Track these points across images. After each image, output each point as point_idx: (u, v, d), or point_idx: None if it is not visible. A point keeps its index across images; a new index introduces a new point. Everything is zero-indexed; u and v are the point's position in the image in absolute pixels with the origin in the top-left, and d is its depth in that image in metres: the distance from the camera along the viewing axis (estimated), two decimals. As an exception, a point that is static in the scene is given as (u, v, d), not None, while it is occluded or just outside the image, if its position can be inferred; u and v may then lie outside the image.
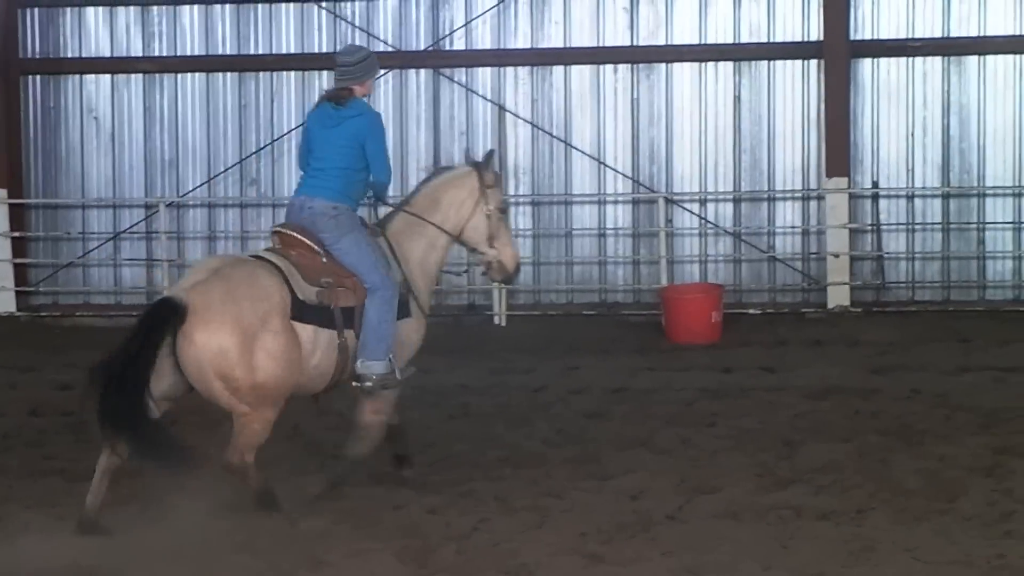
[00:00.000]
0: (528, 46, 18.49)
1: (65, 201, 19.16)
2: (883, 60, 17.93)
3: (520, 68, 18.52)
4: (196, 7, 18.89)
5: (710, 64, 18.20)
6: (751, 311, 17.70)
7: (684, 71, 18.26)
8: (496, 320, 17.76)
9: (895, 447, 10.54)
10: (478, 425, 11.32)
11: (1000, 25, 17.77)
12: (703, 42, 18.21)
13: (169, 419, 8.73)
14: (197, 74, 18.95)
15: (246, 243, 18.68)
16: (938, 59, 17.90)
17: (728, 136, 18.21)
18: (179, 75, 18.96)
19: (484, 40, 18.56)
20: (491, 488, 9.58)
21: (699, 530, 8.54)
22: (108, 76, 19.09)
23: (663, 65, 18.27)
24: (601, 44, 18.38)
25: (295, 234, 9.21)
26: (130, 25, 19.05)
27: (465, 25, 18.48)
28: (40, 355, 15.66)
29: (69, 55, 19.18)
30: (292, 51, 18.79)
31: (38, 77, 19.22)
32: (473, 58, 18.55)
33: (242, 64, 18.86)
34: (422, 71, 18.57)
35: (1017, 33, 17.74)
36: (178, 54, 18.98)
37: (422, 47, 18.44)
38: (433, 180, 9.91)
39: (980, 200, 17.92)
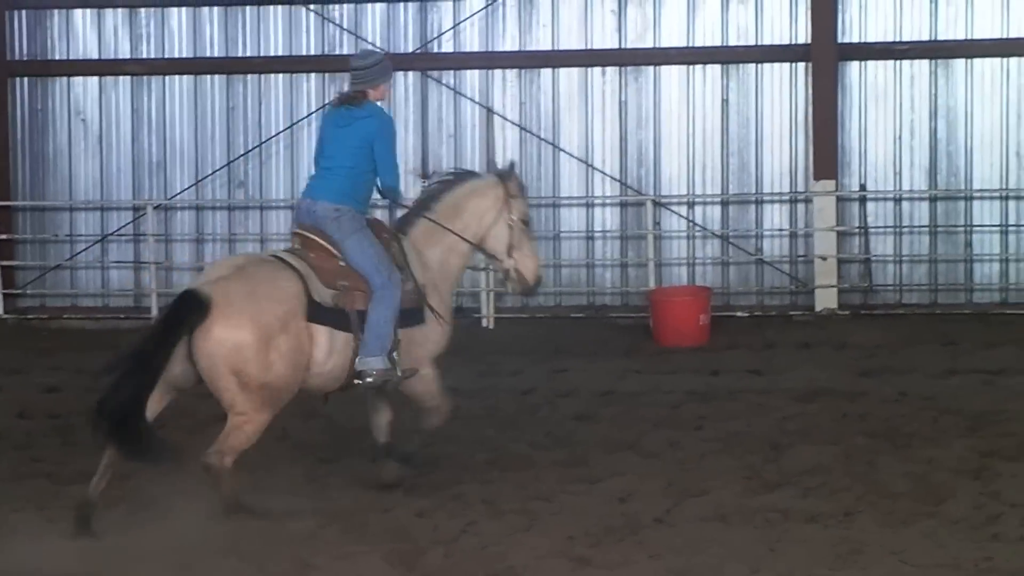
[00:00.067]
0: (516, 49, 18.51)
1: (52, 203, 19.13)
2: (871, 63, 17.96)
3: (508, 71, 18.53)
4: (184, 9, 18.87)
5: (698, 67, 18.22)
6: (739, 314, 17.71)
7: (672, 74, 18.28)
8: (484, 323, 17.76)
9: (883, 450, 10.54)
10: (466, 428, 11.30)
11: (987, 28, 17.81)
12: (691, 45, 18.22)
13: (159, 423, 8.73)
14: (185, 76, 18.94)
15: (234, 245, 18.68)
16: (925, 62, 17.93)
17: (716, 139, 18.23)
18: (167, 77, 18.95)
19: (472, 43, 18.57)
20: (479, 491, 9.57)
21: (687, 533, 8.53)
22: (96, 78, 19.08)
23: (651, 68, 18.29)
24: (589, 47, 18.39)
25: (314, 237, 9.33)
26: (118, 27, 19.03)
27: (453, 28, 18.48)
28: (27, 358, 15.63)
29: (57, 57, 19.17)
30: (280, 53, 18.78)
31: (25, 79, 19.20)
32: (461, 61, 18.56)
33: (230, 66, 18.85)
34: (410, 74, 18.56)
35: (1004, 36, 17.78)
36: (166, 56, 18.97)
37: (410, 50, 18.43)
38: (457, 188, 9.95)
39: (967, 203, 17.95)
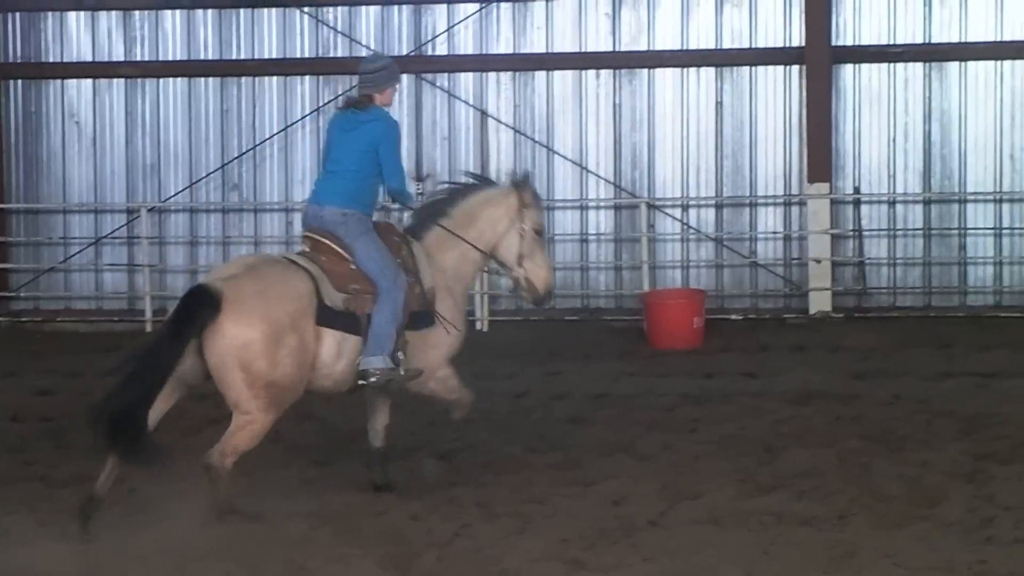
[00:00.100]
0: (510, 51, 18.51)
1: (46, 206, 19.11)
2: (865, 66, 17.97)
3: (502, 73, 18.53)
4: (178, 12, 18.86)
5: (692, 70, 18.22)
6: (733, 316, 17.72)
7: (666, 76, 18.28)
8: (478, 326, 17.74)
9: (876, 453, 10.54)
10: (460, 431, 11.29)
11: (981, 31, 17.82)
12: (685, 48, 18.23)
13: (159, 424, 8.74)
14: (179, 79, 18.93)
15: (228, 248, 18.66)
16: (919, 65, 17.95)
17: (710, 141, 18.24)
18: (161, 80, 18.94)
19: (466, 45, 18.57)
20: (473, 494, 9.57)
21: (681, 536, 8.53)
22: (90, 81, 19.06)
23: (645, 71, 18.30)
24: (583, 49, 18.39)
25: (325, 240, 9.39)
26: (112, 30, 19.02)
27: (447, 30, 18.48)
28: (21, 360, 15.61)
29: (51, 60, 19.15)
30: (274, 56, 18.77)
31: (19, 82, 19.18)
32: (455, 63, 18.56)
33: (224, 69, 18.84)
34: (404, 76, 18.46)
35: (998, 39, 17.79)
36: (160, 59, 18.95)
37: (404, 52, 18.41)
38: (472, 196, 10.04)
39: (961, 206, 17.97)
